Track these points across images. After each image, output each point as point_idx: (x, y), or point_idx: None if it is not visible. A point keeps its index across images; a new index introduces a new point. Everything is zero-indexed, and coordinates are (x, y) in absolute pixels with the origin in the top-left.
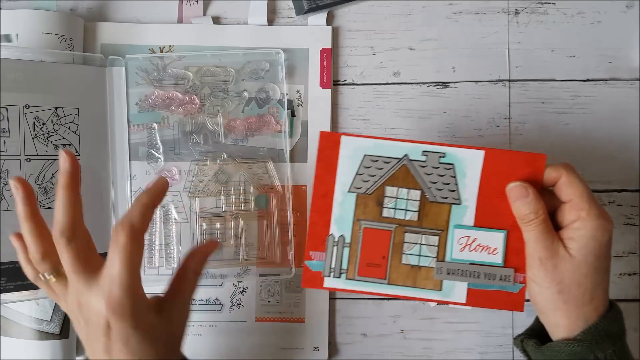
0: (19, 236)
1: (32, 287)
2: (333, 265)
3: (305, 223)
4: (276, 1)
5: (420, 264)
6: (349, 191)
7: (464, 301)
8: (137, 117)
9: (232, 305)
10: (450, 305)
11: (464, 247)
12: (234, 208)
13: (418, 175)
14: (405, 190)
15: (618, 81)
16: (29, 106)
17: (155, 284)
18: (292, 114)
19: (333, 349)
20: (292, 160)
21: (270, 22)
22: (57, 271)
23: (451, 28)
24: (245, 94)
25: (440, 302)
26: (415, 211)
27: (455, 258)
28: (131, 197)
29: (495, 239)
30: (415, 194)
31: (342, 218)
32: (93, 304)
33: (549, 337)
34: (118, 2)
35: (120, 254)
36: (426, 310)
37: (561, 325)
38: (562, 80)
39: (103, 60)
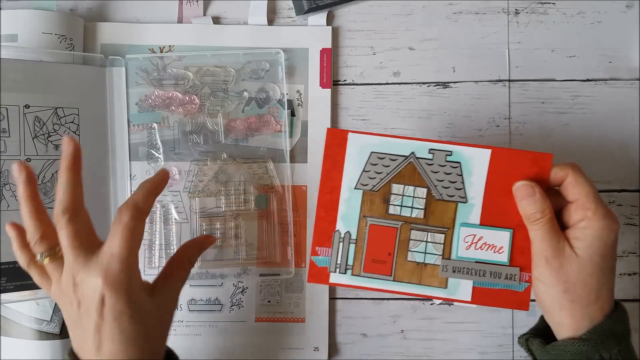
0: (14, 224)
1: (32, 287)
2: (339, 261)
3: (305, 223)
4: (276, 1)
5: (426, 262)
6: (355, 188)
7: (469, 299)
8: (137, 117)
9: (232, 305)
10: (451, 305)
11: (470, 245)
12: (234, 208)
13: (424, 173)
14: (411, 188)
15: (618, 81)
16: (29, 106)
17: None
18: (292, 114)
19: (333, 349)
20: (292, 160)
21: (270, 22)
22: (53, 253)
23: (451, 28)
24: (245, 94)
25: (445, 300)
26: (421, 209)
27: (461, 256)
28: None
29: (501, 238)
30: (422, 192)
31: (348, 214)
32: (89, 280)
33: (553, 336)
34: (118, 2)
35: (123, 232)
36: (426, 310)
37: (566, 324)
38: (562, 80)
39: (103, 60)
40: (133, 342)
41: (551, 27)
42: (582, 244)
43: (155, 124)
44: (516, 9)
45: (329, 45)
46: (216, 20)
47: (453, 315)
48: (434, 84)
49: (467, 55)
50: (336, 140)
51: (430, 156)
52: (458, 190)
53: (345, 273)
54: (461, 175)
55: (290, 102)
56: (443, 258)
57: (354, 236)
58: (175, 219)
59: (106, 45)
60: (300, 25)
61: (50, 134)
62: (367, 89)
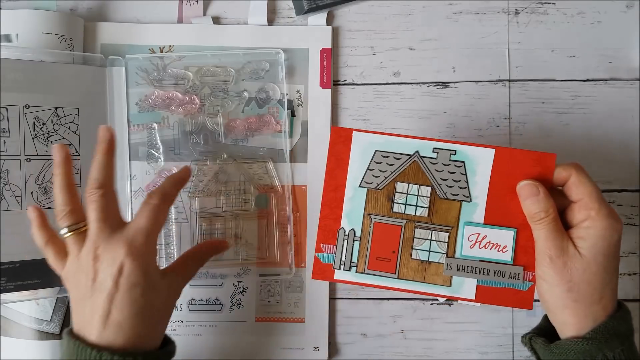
0: (36, 207)
1: (32, 287)
2: (343, 259)
3: (305, 223)
4: (276, 1)
5: (430, 260)
6: (359, 186)
7: (473, 297)
8: (137, 117)
9: (232, 305)
10: (452, 305)
11: (474, 244)
12: (234, 208)
13: (429, 171)
14: (415, 187)
15: (618, 81)
16: (29, 106)
17: None
18: (292, 114)
19: (333, 349)
20: (292, 160)
21: (270, 22)
22: (77, 228)
23: (451, 28)
24: (245, 94)
25: (449, 298)
26: (425, 207)
27: (465, 255)
28: (131, 197)
29: (505, 237)
30: (426, 191)
31: (352, 212)
32: (111, 250)
33: (556, 336)
34: (118, 2)
35: (151, 211)
36: (426, 310)
37: (570, 323)
38: (562, 80)
39: (103, 60)
40: (140, 315)
41: (551, 27)
42: (586, 243)
43: (155, 124)
44: (516, 9)
45: (329, 45)
46: (216, 20)
47: (453, 315)
48: (434, 84)
49: (467, 55)
50: (340, 138)
51: (434, 155)
52: (462, 189)
53: (349, 270)
54: (465, 174)
55: (290, 102)
56: (447, 256)
57: (358, 234)
58: (175, 219)
59: (106, 45)
60: (300, 25)
61: (50, 134)
62: (367, 89)
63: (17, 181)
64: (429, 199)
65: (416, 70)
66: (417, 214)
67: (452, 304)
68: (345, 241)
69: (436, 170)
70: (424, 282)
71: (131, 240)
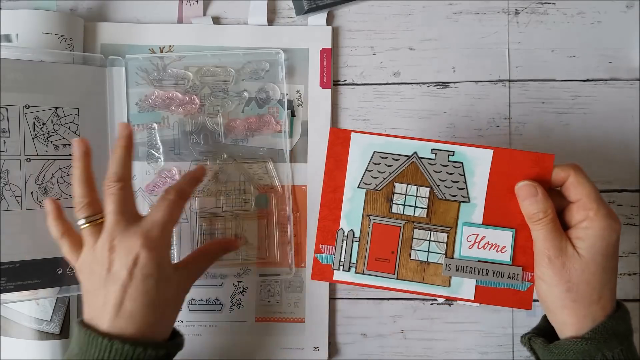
0: (53, 200)
1: (32, 287)
2: (342, 259)
3: (305, 223)
4: (276, 1)
5: (429, 260)
6: (358, 187)
7: (472, 298)
8: (137, 117)
9: (232, 305)
10: (451, 305)
11: (473, 244)
12: (234, 208)
13: (427, 172)
14: (414, 187)
15: (618, 81)
16: (29, 106)
17: None
18: (292, 114)
19: (333, 349)
20: (292, 160)
21: (270, 22)
22: (94, 220)
23: (451, 28)
24: (245, 94)
25: (448, 298)
26: (424, 208)
27: (464, 255)
28: None
29: (504, 237)
30: (424, 191)
31: (351, 213)
32: (127, 242)
33: (555, 336)
34: (118, 2)
35: (167, 207)
36: (426, 310)
37: (569, 323)
38: (562, 80)
39: (103, 60)
40: (152, 306)
41: (551, 27)
42: (585, 244)
43: (155, 124)
44: (516, 9)
45: (329, 45)
46: (216, 20)
47: (453, 315)
48: (434, 84)
49: (467, 55)
50: (339, 139)
51: (432, 156)
52: (460, 190)
53: (348, 271)
54: (463, 175)
55: (290, 102)
56: (446, 257)
57: (357, 234)
58: None
59: (106, 45)
60: (300, 25)
61: (50, 134)
62: (367, 89)
63: (17, 181)
64: (427, 199)
65: (416, 70)
66: (416, 214)
67: (452, 304)
68: (344, 242)
69: (435, 171)
70: (423, 283)
71: (147, 232)
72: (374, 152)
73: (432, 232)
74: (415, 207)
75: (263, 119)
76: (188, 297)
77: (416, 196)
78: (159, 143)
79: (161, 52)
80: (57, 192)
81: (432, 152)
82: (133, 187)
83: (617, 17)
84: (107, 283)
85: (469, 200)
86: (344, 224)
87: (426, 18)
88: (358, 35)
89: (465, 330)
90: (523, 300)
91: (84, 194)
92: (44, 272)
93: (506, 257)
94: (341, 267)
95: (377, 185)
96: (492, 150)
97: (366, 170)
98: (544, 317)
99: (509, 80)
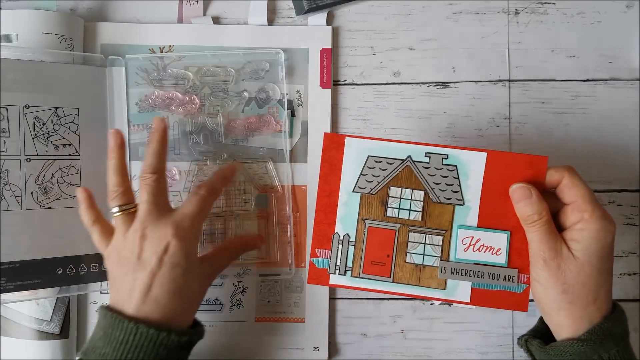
0: (85, 189)
1: (32, 287)
2: (338, 263)
3: (305, 223)
4: (276, 1)
5: (425, 263)
6: (353, 191)
7: (468, 300)
8: (137, 117)
9: (232, 305)
10: (451, 305)
11: (468, 247)
12: (234, 208)
13: (421, 176)
14: (409, 191)
15: (618, 81)
16: (29, 106)
17: None
18: (292, 114)
19: (333, 349)
20: (292, 160)
21: (270, 22)
22: (127, 209)
23: (451, 28)
24: (245, 94)
25: (444, 301)
26: (419, 211)
27: (459, 258)
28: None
29: (499, 240)
30: (419, 195)
31: (347, 217)
32: (159, 231)
33: (552, 337)
34: (118, 2)
35: (198, 201)
36: (426, 310)
37: (565, 325)
38: (562, 80)
39: (103, 60)
40: (178, 293)
41: (551, 27)
42: (580, 245)
43: None
44: (516, 9)
45: (329, 45)
46: (216, 20)
47: (453, 315)
48: (434, 84)
49: (467, 55)
50: (333, 144)
51: (426, 159)
52: (455, 192)
53: (344, 275)
54: (458, 178)
55: (290, 102)
56: (441, 260)
57: (352, 238)
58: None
59: (106, 45)
60: (300, 25)
61: (50, 134)
62: (367, 89)
63: (17, 181)
64: (422, 203)
65: (416, 70)
66: (411, 218)
67: (451, 304)
68: (340, 246)
69: (429, 174)
70: (418, 286)
71: (178, 223)
72: (368, 156)
73: (427, 235)
74: (410, 210)
75: (263, 119)
76: None
77: (411, 199)
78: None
79: (161, 52)
80: (57, 192)
81: (426, 156)
82: (166, 179)
83: (617, 17)
84: (136, 269)
85: (464, 203)
86: (340, 228)
87: (426, 18)
88: (358, 35)
89: (465, 330)
90: (519, 302)
91: (118, 183)
92: (44, 272)
93: (501, 259)
94: (337, 271)
95: (371, 189)
96: (485, 153)
97: (361, 174)
98: (541, 319)
99: (509, 80)
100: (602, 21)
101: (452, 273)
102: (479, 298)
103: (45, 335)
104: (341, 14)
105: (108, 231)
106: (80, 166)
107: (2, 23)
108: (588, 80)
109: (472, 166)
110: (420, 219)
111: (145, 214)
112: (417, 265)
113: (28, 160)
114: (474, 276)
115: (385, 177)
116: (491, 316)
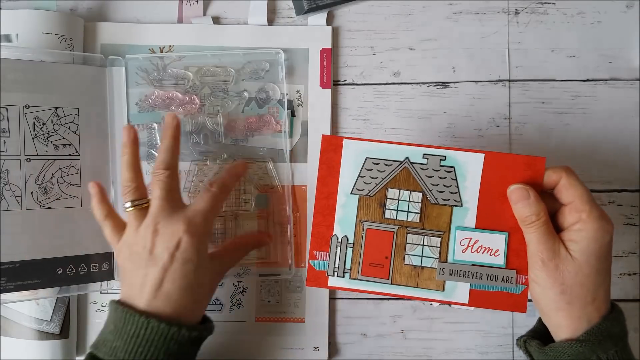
0: (97, 183)
1: (32, 287)
2: (337, 265)
3: (305, 223)
4: (276, 1)
5: (423, 265)
6: (351, 193)
7: (466, 302)
8: (137, 117)
9: (232, 305)
10: (452, 305)
11: (466, 248)
12: (234, 208)
13: (419, 177)
14: (407, 192)
15: (618, 81)
16: (29, 106)
17: None
18: (292, 114)
19: (333, 349)
20: (292, 160)
21: (270, 22)
22: (140, 204)
23: (451, 28)
24: (245, 94)
25: (442, 303)
26: (417, 213)
27: (457, 259)
28: None
29: (497, 241)
30: (417, 196)
31: (345, 219)
32: (171, 226)
33: (551, 338)
34: (118, 2)
35: (210, 198)
36: (426, 310)
37: (564, 325)
38: (562, 80)
39: (103, 60)
40: (189, 289)
41: (551, 27)
42: (578, 246)
43: (155, 124)
44: (516, 9)
45: (329, 45)
46: (216, 20)
47: (453, 316)
48: (434, 84)
49: (467, 55)
50: (331, 146)
51: (424, 161)
52: (453, 194)
53: (343, 277)
54: (455, 179)
55: (290, 102)
56: (440, 261)
57: (351, 240)
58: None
59: (106, 45)
60: (300, 25)
61: (50, 134)
62: (367, 89)
63: (17, 181)
64: (420, 204)
65: (416, 70)
66: (409, 219)
67: (451, 305)
68: (338, 248)
69: (427, 176)
70: (417, 287)
71: (190, 219)
72: (366, 158)
73: (425, 237)
74: (408, 212)
75: (263, 119)
76: None
77: (409, 201)
78: (159, 143)
79: (161, 52)
80: (57, 192)
81: (423, 157)
82: (179, 175)
83: (617, 17)
84: (148, 264)
85: (462, 204)
86: (338, 230)
87: (426, 18)
88: (358, 35)
89: (465, 331)
90: (517, 303)
91: (131, 178)
92: (44, 272)
93: (500, 260)
94: (335, 273)
95: (370, 191)
96: (483, 154)
97: (359, 176)
98: (540, 319)
99: (509, 80)
100: (602, 21)
101: (451, 274)
102: (477, 299)
103: (45, 335)
104: (341, 14)
105: (120, 226)
106: (80, 166)
107: (2, 23)
108: (588, 80)
109: (470, 167)
110: (418, 221)
111: (157, 210)
112: (415, 266)
113: (28, 160)
114: (473, 277)
115: (383, 179)
116: (491, 316)
